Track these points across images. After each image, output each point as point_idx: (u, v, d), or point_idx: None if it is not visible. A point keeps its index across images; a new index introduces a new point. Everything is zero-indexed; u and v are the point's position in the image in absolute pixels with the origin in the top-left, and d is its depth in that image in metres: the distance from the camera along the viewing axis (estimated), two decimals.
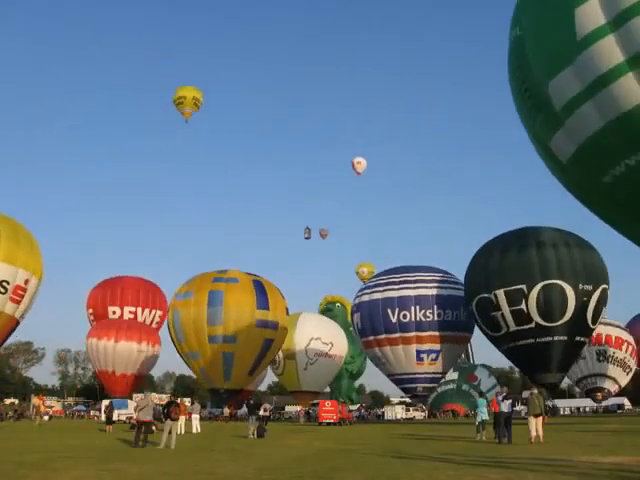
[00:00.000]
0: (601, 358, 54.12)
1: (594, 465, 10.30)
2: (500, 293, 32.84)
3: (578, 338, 34.26)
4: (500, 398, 17.33)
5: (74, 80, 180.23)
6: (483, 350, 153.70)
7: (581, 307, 32.80)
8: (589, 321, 33.88)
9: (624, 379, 56.29)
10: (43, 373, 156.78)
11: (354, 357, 64.57)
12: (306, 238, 57.95)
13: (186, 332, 42.43)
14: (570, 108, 15.88)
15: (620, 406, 66.21)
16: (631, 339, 55.33)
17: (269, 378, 65.52)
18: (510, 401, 16.35)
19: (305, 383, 54.71)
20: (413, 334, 38.49)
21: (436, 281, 40.51)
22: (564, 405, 72.02)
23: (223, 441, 19.60)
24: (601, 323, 52.67)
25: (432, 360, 39.16)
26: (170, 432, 15.14)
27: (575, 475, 9.03)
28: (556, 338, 32.86)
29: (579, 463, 10.68)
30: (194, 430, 24.06)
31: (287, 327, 44.88)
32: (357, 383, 75.36)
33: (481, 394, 22.92)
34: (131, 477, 9.42)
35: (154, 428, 16.92)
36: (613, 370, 55.06)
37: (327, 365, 55.66)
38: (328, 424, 33.46)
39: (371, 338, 40.55)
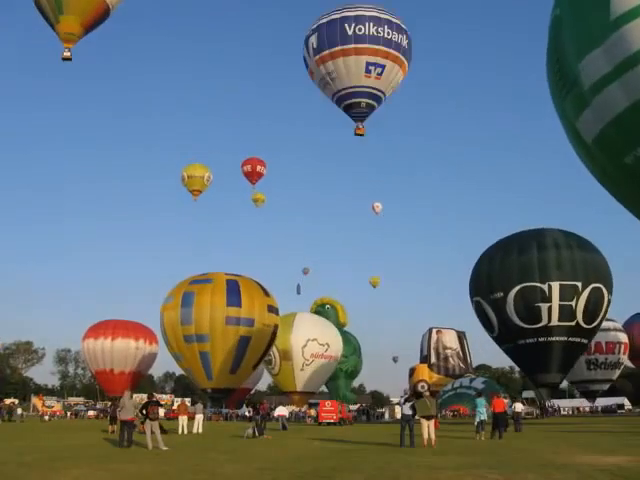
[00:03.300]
0: (592, 367, 54.97)
1: (594, 465, 10.29)
2: (555, 285, 32.67)
3: (589, 342, 35.57)
4: (402, 401, 17.02)
5: None
6: (479, 352, 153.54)
7: (604, 314, 34.06)
8: (600, 327, 35.53)
9: (616, 374, 57.83)
10: (43, 373, 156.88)
11: (347, 356, 64.91)
12: (305, 274, 72.55)
13: (168, 334, 43.75)
14: (598, 88, 16.19)
15: (620, 406, 66.32)
16: (623, 337, 56.20)
17: (270, 378, 65.72)
18: (411, 403, 16.12)
19: (300, 384, 54.93)
20: (365, 46, 38.85)
21: (387, 13, 40.47)
22: (564, 405, 72.04)
23: (223, 441, 19.60)
24: None
25: (377, 75, 39.61)
26: (153, 432, 14.85)
27: (575, 475, 9.02)
28: (581, 340, 33.60)
29: (579, 463, 10.67)
30: (195, 430, 24.08)
31: (272, 324, 44.93)
32: (357, 383, 75.49)
33: (479, 394, 22.79)
34: (131, 477, 9.42)
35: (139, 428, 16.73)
36: (606, 374, 55.87)
37: (323, 366, 55.91)
38: (328, 424, 33.45)
39: (326, 52, 40.52)
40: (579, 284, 32.58)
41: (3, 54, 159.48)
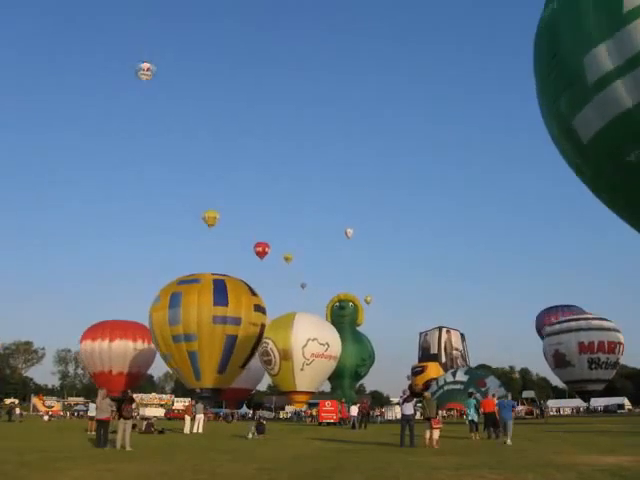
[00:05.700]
0: (593, 366, 55.21)
1: (594, 465, 10.29)
2: None
3: None
4: (401, 401, 16.83)
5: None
6: (481, 350, 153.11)
7: None
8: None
9: (612, 375, 58.24)
10: (43, 373, 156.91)
11: (365, 360, 65.01)
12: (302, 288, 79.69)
13: (157, 335, 43.88)
14: (603, 83, 15.41)
15: (620, 406, 66.30)
16: (622, 338, 56.69)
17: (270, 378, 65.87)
18: (412, 403, 16.04)
19: (300, 383, 54.98)
20: None
21: None
22: (564, 405, 71.99)
23: (223, 441, 19.59)
24: (594, 329, 54.54)
25: None
26: (125, 430, 14.56)
27: (575, 475, 9.02)
28: None
29: (579, 463, 10.67)
30: (194, 430, 24.09)
31: (258, 323, 45.00)
32: (357, 383, 75.71)
33: (470, 394, 22.76)
34: (131, 477, 9.41)
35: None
36: (604, 373, 56.10)
37: (323, 366, 55.97)
38: (328, 424, 33.42)
39: None
40: None
41: None
